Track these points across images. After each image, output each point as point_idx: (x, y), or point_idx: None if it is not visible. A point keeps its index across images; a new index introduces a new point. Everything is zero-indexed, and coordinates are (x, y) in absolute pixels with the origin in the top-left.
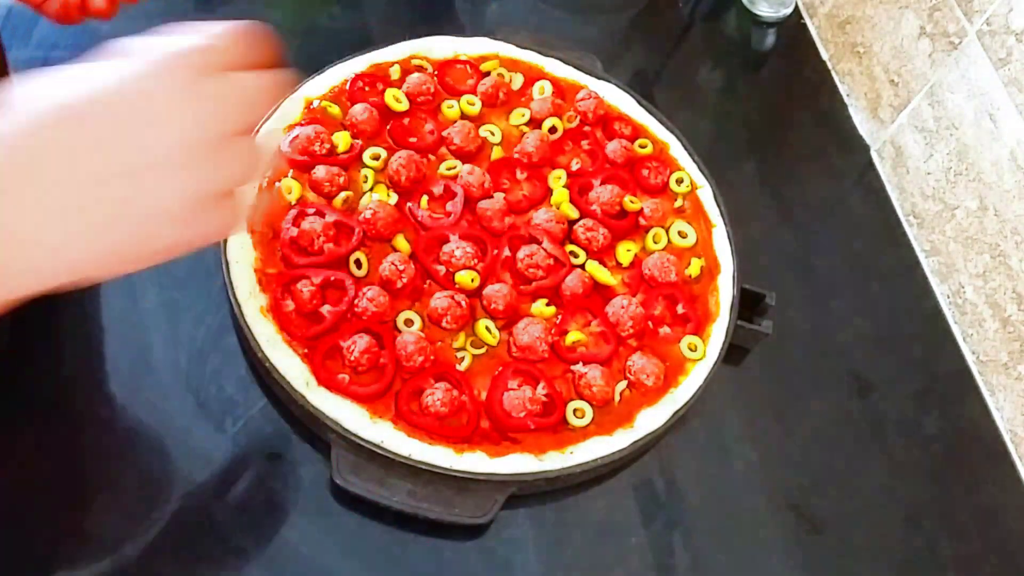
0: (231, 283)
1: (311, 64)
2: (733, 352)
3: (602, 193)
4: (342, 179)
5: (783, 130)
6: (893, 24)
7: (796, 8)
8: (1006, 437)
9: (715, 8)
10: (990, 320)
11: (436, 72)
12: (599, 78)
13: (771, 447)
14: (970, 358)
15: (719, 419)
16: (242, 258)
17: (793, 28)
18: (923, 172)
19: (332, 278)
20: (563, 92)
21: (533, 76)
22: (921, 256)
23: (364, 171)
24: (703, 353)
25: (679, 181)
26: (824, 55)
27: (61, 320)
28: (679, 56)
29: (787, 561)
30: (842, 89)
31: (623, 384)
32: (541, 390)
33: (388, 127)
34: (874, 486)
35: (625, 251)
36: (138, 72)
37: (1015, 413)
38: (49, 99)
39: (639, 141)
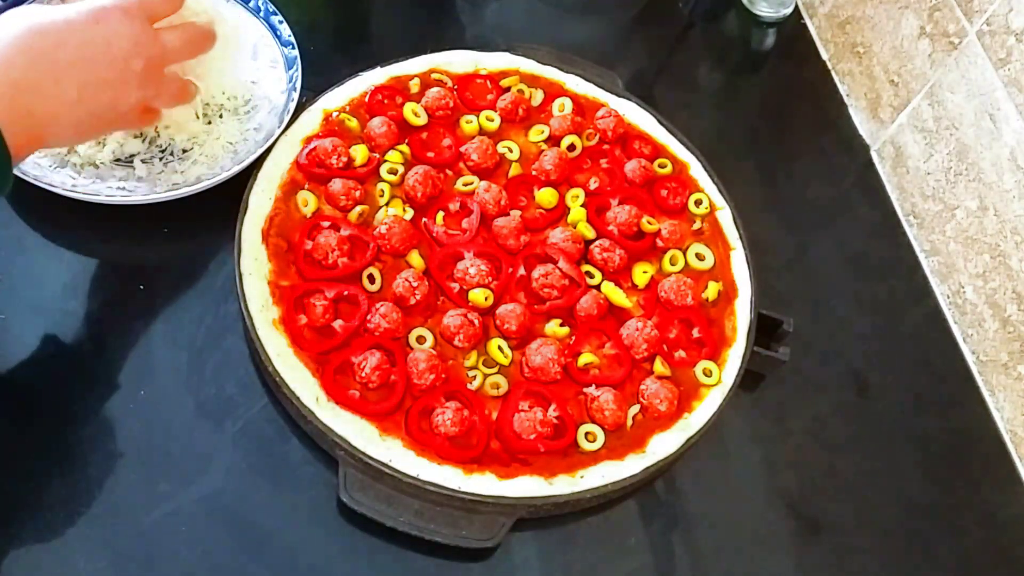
0: (243, 295)
1: (311, 61)
2: (748, 377)
3: (619, 213)
4: (358, 193)
5: (783, 130)
6: (893, 24)
7: (796, 8)
8: (1006, 437)
9: (715, 8)
10: (990, 320)
11: (456, 87)
12: (619, 96)
13: (771, 447)
14: (970, 358)
15: (719, 419)
16: (255, 270)
17: (793, 28)
18: (923, 172)
19: (345, 293)
20: (583, 109)
21: (553, 92)
22: (921, 256)
23: (381, 185)
24: (718, 379)
25: (698, 202)
26: (824, 55)
27: (61, 321)
28: (679, 56)
29: (787, 561)
30: (842, 89)
31: (636, 408)
32: (552, 412)
33: (406, 141)
34: (874, 486)
35: (641, 272)
36: (110, 22)
37: (1015, 413)
38: (36, 18)
39: (658, 161)
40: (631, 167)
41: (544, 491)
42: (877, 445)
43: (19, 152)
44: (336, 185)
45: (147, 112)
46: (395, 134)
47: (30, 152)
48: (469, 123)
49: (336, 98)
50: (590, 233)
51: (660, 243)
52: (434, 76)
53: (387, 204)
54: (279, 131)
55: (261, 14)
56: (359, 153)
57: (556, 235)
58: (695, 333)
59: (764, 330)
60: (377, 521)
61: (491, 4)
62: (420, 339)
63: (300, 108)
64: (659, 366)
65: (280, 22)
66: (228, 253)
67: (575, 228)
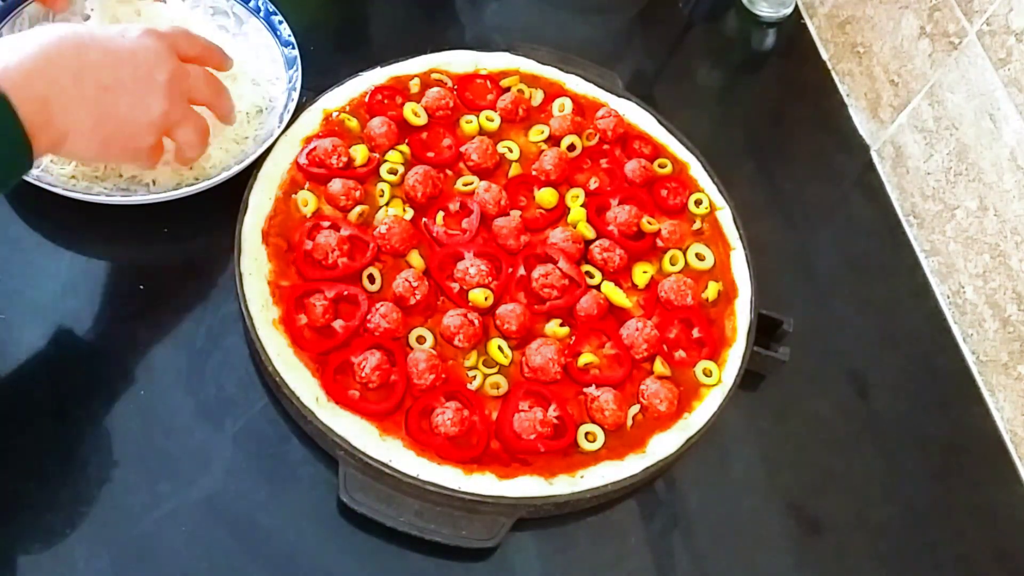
0: (243, 295)
1: (311, 61)
2: (748, 377)
3: (619, 213)
4: (358, 193)
5: (783, 130)
6: (893, 24)
7: (796, 8)
8: (1006, 437)
9: (715, 8)
10: (990, 320)
11: (456, 87)
12: (619, 96)
13: (771, 447)
14: (970, 358)
15: (719, 420)
16: (255, 270)
17: (793, 28)
18: (923, 172)
19: (345, 293)
20: (583, 109)
21: (553, 92)
22: (921, 256)
23: (381, 185)
24: (718, 379)
25: (698, 202)
26: (824, 55)
27: (61, 321)
28: (679, 56)
29: (787, 561)
30: (842, 89)
31: (636, 408)
32: (552, 412)
33: (406, 141)
34: (874, 486)
35: (641, 272)
36: (133, 35)
37: (1015, 413)
38: (65, 29)
39: (658, 161)
40: (631, 167)
41: (544, 491)
42: (877, 445)
43: (37, 142)
44: (336, 185)
45: (157, 146)
46: (395, 134)
47: (49, 149)
48: (469, 123)
49: (336, 98)
50: (590, 233)
51: (660, 243)
52: (434, 76)
53: (387, 204)
54: (279, 131)
55: (261, 14)
56: (359, 153)
57: (556, 235)
58: (695, 333)
59: (764, 330)
60: (377, 521)
61: (491, 4)
62: (420, 339)
63: (300, 108)
64: (659, 366)
65: (280, 22)
66: (228, 253)
67: (575, 228)
